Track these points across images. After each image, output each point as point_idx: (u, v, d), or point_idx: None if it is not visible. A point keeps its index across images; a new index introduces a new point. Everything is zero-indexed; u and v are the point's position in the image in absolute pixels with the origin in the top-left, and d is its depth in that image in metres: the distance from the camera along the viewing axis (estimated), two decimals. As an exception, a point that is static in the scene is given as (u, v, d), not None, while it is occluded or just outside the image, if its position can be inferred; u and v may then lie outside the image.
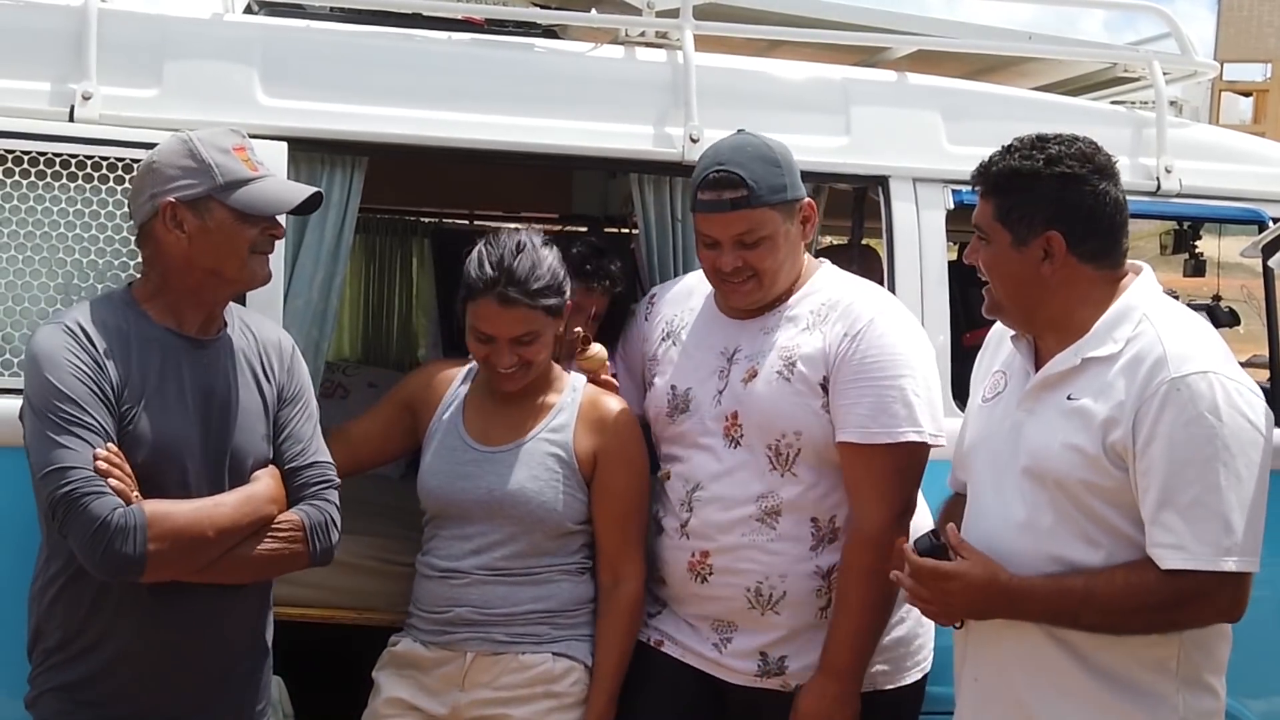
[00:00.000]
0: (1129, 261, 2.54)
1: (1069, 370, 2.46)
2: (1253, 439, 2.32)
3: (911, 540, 2.55)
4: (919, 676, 3.01)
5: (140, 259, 2.91)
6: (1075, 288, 2.48)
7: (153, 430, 2.47)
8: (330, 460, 2.70)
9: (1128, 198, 2.53)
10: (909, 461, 2.84)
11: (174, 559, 2.40)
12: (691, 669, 2.95)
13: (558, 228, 5.97)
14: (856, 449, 2.82)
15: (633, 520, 2.94)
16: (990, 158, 2.54)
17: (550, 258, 2.88)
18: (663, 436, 3.03)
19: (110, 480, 2.36)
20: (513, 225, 6.08)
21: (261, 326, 2.74)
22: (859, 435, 2.81)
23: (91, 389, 2.40)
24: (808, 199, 2.95)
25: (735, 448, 2.89)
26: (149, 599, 2.45)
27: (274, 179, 2.61)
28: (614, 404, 2.99)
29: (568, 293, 2.91)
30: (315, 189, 2.65)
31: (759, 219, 2.82)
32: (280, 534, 2.55)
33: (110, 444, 2.39)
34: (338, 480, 2.68)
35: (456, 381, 3.03)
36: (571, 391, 2.98)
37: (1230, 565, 2.30)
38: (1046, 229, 2.45)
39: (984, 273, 2.54)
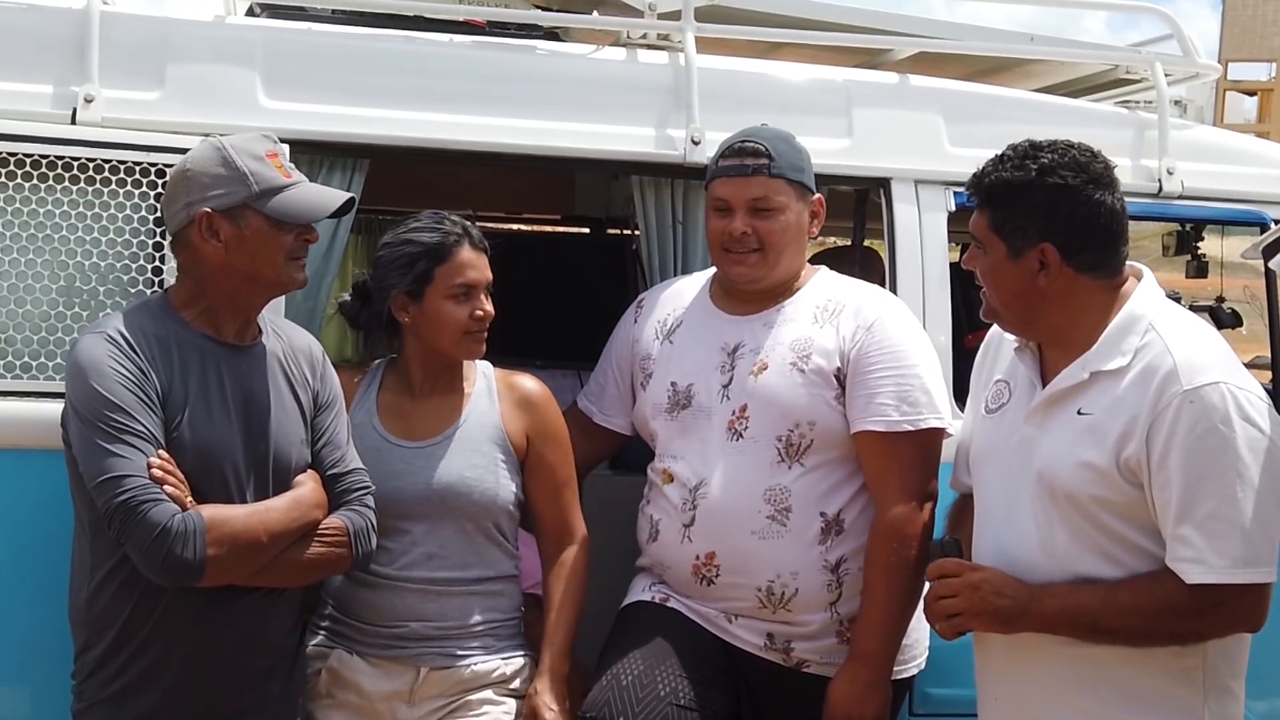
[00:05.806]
0: (1129, 264, 2.52)
1: (1077, 384, 2.44)
2: (1265, 447, 2.32)
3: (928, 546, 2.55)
4: (914, 672, 3.02)
5: (139, 262, 2.94)
6: (1074, 298, 2.46)
7: (196, 437, 2.48)
8: (364, 466, 2.71)
9: (1129, 199, 2.52)
10: (931, 449, 2.87)
11: (231, 563, 2.42)
12: (700, 626, 2.93)
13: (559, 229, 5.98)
14: (880, 438, 2.84)
15: (568, 489, 2.94)
16: (983, 167, 2.52)
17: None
18: (660, 434, 3.01)
19: (166, 487, 2.37)
20: (514, 226, 6.12)
21: (292, 334, 2.74)
22: (883, 424, 2.83)
23: (139, 396, 2.41)
24: (818, 195, 3.02)
25: (738, 440, 2.89)
26: (197, 601, 2.46)
27: (307, 185, 2.61)
28: (528, 382, 2.96)
29: None
30: (349, 194, 2.66)
31: (775, 188, 2.92)
32: (326, 538, 2.57)
33: (161, 450, 2.40)
34: (373, 487, 2.69)
35: (361, 389, 2.93)
36: (483, 378, 2.94)
37: (1250, 576, 2.30)
38: (1041, 241, 2.43)
39: (981, 281, 2.54)
